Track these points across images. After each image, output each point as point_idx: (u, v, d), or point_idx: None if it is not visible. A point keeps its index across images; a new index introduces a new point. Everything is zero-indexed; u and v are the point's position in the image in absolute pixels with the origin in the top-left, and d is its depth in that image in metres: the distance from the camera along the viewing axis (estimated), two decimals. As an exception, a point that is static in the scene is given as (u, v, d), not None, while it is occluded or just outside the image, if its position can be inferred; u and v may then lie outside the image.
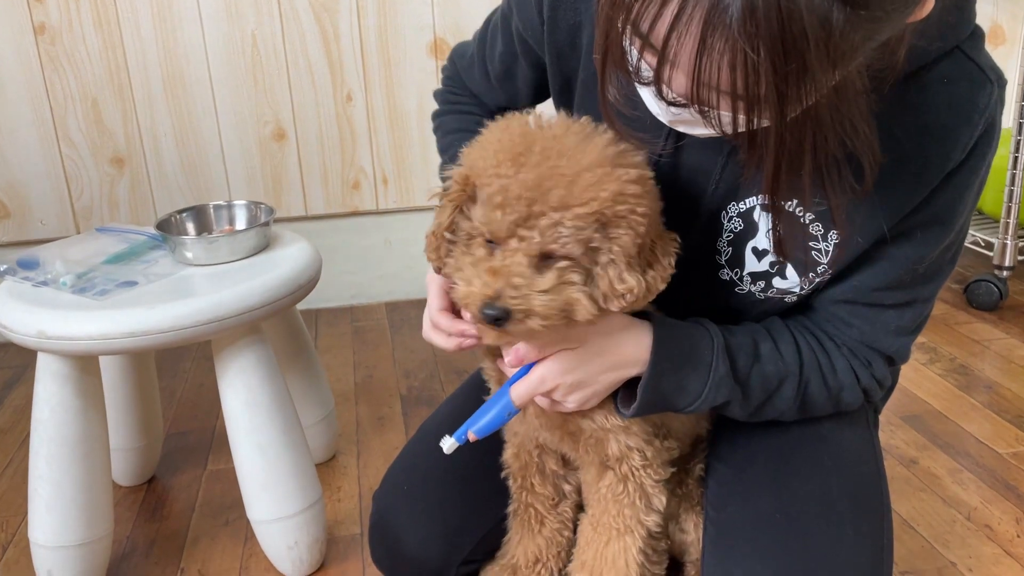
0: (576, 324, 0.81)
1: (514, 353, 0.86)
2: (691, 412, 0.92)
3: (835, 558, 0.90)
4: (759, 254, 0.90)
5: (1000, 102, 0.81)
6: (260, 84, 2.19)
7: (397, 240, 2.39)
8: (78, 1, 2.06)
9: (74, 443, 1.21)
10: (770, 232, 0.85)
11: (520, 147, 0.79)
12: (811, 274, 0.89)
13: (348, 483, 1.58)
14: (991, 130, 0.81)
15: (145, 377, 1.50)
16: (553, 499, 1.08)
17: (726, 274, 0.92)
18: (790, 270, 0.89)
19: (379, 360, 2.08)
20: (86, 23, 2.08)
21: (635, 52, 0.67)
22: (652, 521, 0.98)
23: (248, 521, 1.31)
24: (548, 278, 0.78)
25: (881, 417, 1.24)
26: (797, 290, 0.91)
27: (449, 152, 1.08)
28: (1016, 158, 2.12)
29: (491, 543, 1.11)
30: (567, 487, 1.08)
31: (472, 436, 0.90)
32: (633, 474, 0.95)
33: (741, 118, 0.63)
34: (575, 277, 0.80)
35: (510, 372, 0.90)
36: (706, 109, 0.64)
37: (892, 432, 1.67)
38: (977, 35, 0.81)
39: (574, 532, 1.07)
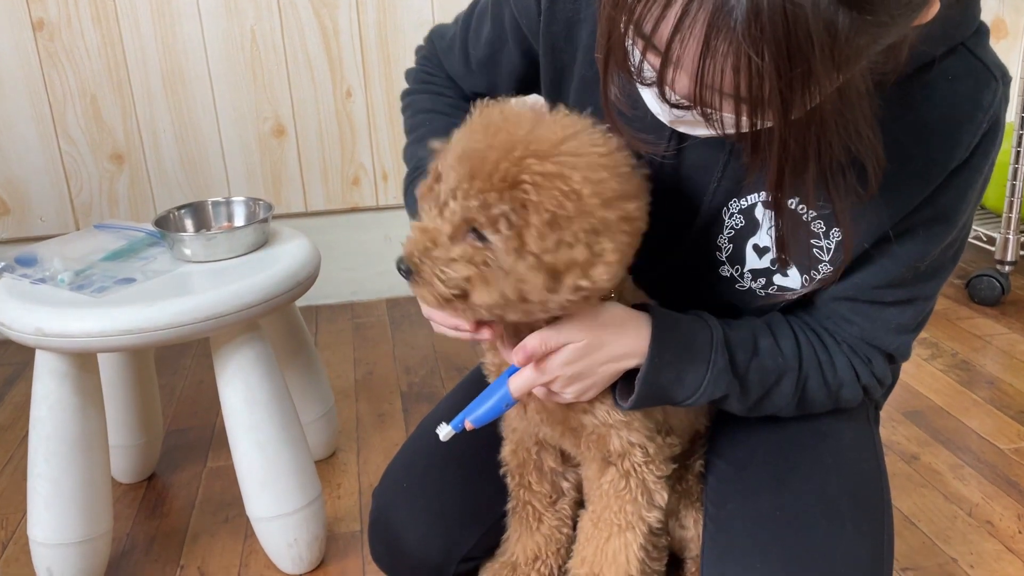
0: (529, 304, 0.79)
1: (522, 351, 0.85)
2: (689, 405, 0.91)
3: (835, 555, 0.89)
4: (760, 251, 0.89)
5: (1004, 99, 0.80)
6: (259, 80, 2.18)
7: (397, 236, 2.38)
8: (76, -3, 2.05)
9: (73, 441, 1.21)
10: (771, 230, 0.85)
11: (481, 123, 0.80)
12: (812, 272, 0.88)
13: (348, 480, 1.58)
14: (995, 128, 0.80)
15: (144, 374, 1.50)
16: (551, 496, 1.08)
17: (726, 271, 0.92)
18: (791, 267, 0.89)
19: (379, 356, 2.08)
20: (85, 19, 2.07)
21: (637, 53, 0.66)
22: (654, 517, 0.98)
23: (248, 518, 1.31)
24: (456, 250, 0.79)
25: (882, 413, 1.24)
26: (798, 287, 0.90)
27: (417, 132, 1.06)
28: (1018, 153, 2.11)
29: (491, 540, 1.11)
30: (565, 484, 1.08)
31: (469, 425, 0.90)
32: (635, 470, 0.95)
33: (744, 120, 0.62)
34: (487, 257, 0.78)
35: (508, 362, 0.89)
36: (709, 111, 0.63)
37: (893, 428, 1.66)
38: (981, 31, 0.80)
39: (573, 529, 1.07)
